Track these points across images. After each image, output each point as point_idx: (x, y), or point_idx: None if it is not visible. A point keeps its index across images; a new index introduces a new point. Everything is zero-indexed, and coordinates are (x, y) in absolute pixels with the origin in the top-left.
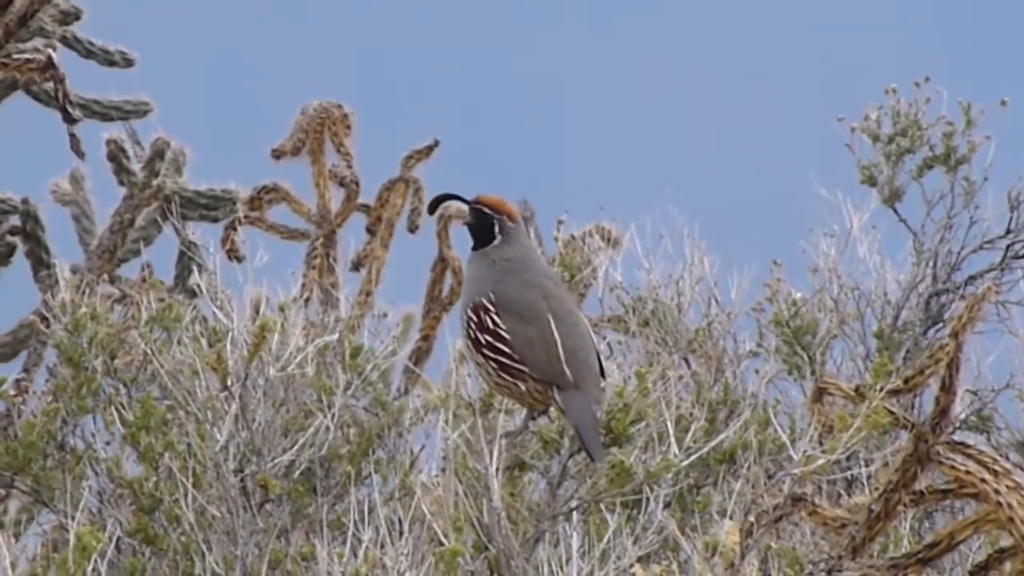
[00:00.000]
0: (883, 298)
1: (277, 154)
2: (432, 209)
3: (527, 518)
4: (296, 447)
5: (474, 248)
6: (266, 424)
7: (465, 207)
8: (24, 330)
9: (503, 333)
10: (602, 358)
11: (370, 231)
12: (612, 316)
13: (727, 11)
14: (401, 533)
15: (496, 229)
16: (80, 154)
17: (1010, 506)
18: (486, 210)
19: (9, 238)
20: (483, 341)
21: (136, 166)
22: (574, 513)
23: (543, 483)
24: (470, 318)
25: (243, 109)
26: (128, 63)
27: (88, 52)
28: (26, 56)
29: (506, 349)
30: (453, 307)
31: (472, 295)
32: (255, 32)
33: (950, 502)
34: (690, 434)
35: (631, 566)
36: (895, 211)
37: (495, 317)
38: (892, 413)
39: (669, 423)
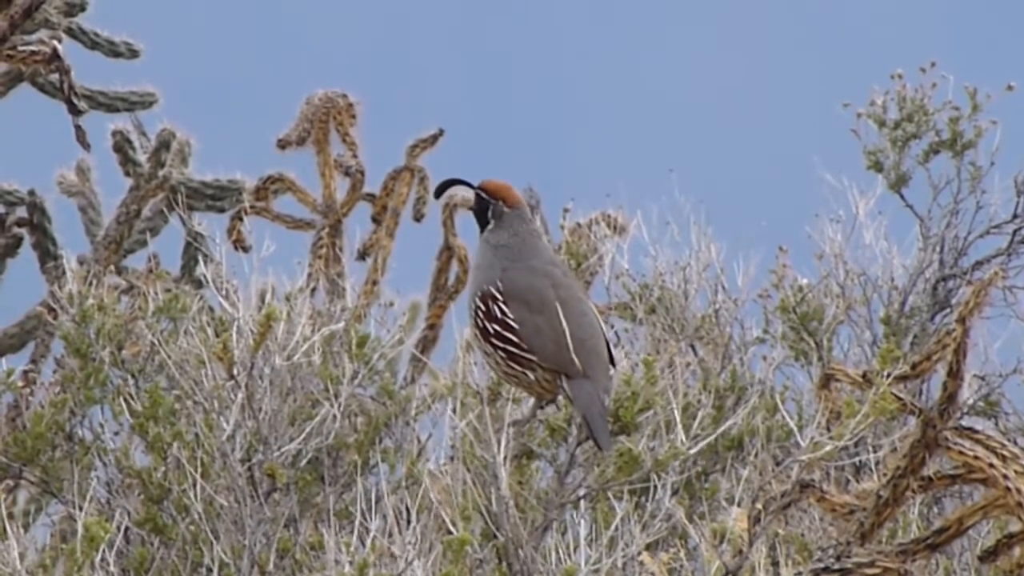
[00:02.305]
0: (890, 284)
1: (282, 144)
2: (439, 194)
3: (535, 506)
4: (303, 436)
5: (480, 234)
6: (273, 413)
7: (472, 194)
8: (31, 321)
9: (511, 322)
10: (611, 346)
11: (376, 220)
12: (619, 304)
13: None
14: (409, 522)
15: (490, 213)
16: (86, 145)
17: (1019, 491)
18: (483, 195)
19: (16, 230)
20: (491, 330)
21: (142, 157)
22: (582, 501)
23: (551, 471)
24: (478, 307)
25: (248, 99)
26: (133, 54)
27: (93, 43)
28: (31, 48)
29: (514, 338)
30: (459, 295)
31: (479, 283)
32: (260, 22)
33: (958, 487)
34: (697, 421)
35: (639, 554)
36: (901, 196)
37: (503, 306)
38: (899, 399)
39: (676, 410)
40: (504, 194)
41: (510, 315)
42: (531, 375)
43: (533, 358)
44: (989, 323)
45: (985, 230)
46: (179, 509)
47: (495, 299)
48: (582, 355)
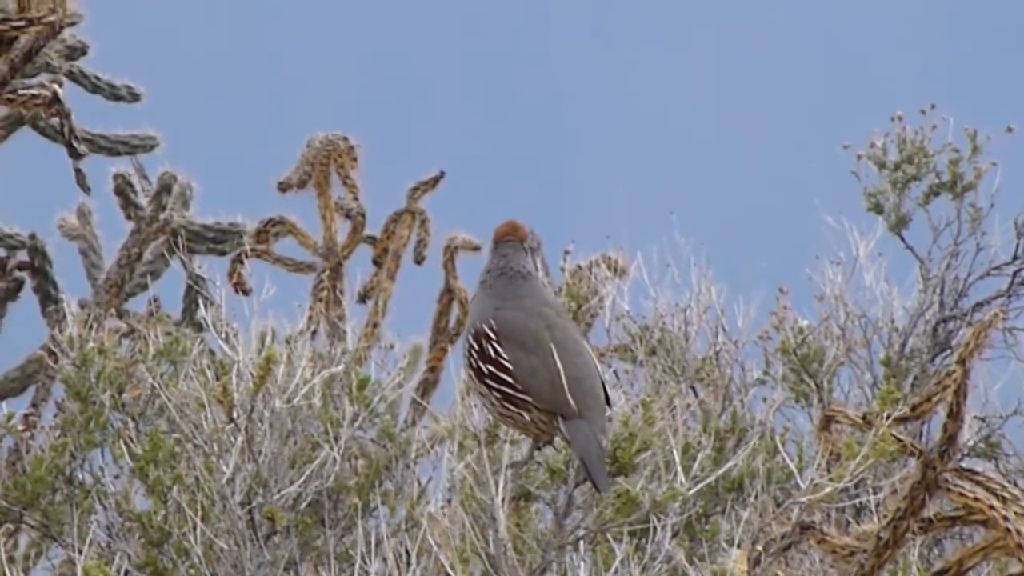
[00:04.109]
0: (890, 325)
1: (283, 187)
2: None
3: (534, 548)
4: (303, 479)
5: None
6: (273, 456)
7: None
8: (32, 365)
9: (505, 363)
10: (607, 387)
11: (376, 263)
12: (619, 345)
13: (734, 37)
14: (409, 565)
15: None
16: (86, 189)
17: (1019, 532)
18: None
19: (17, 273)
20: (486, 371)
21: (143, 200)
22: (581, 543)
23: (549, 513)
24: (471, 346)
25: (249, 142)
26: (134, 98)
27: (94, 87)
28: (32, 91)
29: (509, 379)
30: (459, 338)
31: (472, 321)
32: (261, 66)
33: (959, 529)
34: (697, 462)
35: None
36: (902, 238)
37: (497, 346)
38: (900, 440)
39: (676, 452)
40: (496, 233)
41: (504, 356)
42: (527, 416)
43: (528, 399)
44: (989, 364)
45: (985, 272)
46: (179, 552)
47: (488, 339)
48: (578, 396)
